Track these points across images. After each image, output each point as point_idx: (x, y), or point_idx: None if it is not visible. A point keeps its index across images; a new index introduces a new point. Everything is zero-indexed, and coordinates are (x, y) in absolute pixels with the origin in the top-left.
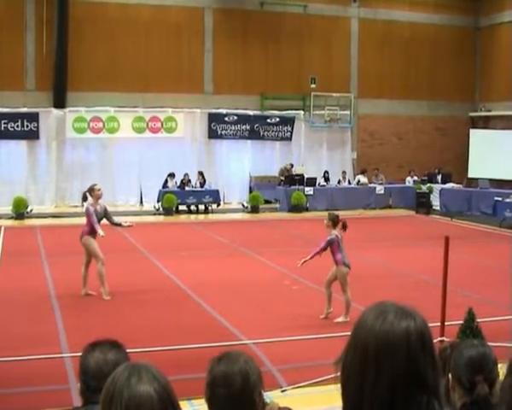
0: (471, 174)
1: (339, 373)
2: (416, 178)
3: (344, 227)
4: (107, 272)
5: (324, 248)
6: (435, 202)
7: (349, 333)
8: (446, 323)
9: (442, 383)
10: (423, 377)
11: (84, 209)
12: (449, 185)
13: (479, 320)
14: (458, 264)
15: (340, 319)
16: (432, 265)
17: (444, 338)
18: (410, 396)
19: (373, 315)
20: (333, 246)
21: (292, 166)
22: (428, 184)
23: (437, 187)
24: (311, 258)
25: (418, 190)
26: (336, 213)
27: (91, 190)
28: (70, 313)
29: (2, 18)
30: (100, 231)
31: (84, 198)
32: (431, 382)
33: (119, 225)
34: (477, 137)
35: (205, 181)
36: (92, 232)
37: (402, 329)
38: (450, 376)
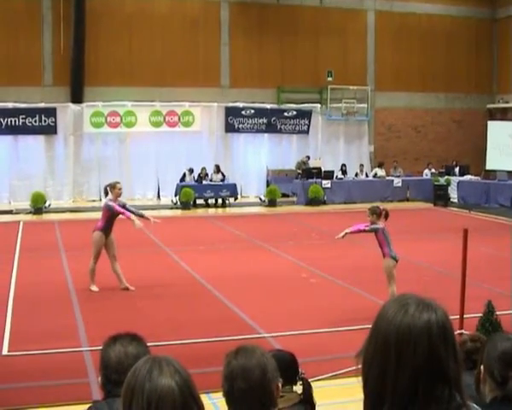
0: (489, 166)
1: (360, 366)
2: (433, 170)
3: (386, 216)
4: (124, 265)
5: (366, 231)
6: (453, 194)
7: (368, 326)
8: (465, 316)
9: (463, 376)
10: (445, 369)
11: (103, 204)
12: (467, 178)
13: (498, 313)
14: (477, 257)
15: None
16: (450, 258)
17: (463, 331)
18: (432, 389)
19: (394, 307)
20: (379, 238)
21: (309, 158)
22: (446, 177)
23: (455, 179)
24: (351, 233)
25: (436, 183)
26: (376, 204)
27: (113, 186)
28: (89, 307)
29: (20, 14)
30: (136, 221)
31: (106, 192)
32: (452, 374)
33: (142, 216)
34: (495, 128)
35: (224, 176)
36: (105, 229)
37: (423, 321)
38: (482, 368)
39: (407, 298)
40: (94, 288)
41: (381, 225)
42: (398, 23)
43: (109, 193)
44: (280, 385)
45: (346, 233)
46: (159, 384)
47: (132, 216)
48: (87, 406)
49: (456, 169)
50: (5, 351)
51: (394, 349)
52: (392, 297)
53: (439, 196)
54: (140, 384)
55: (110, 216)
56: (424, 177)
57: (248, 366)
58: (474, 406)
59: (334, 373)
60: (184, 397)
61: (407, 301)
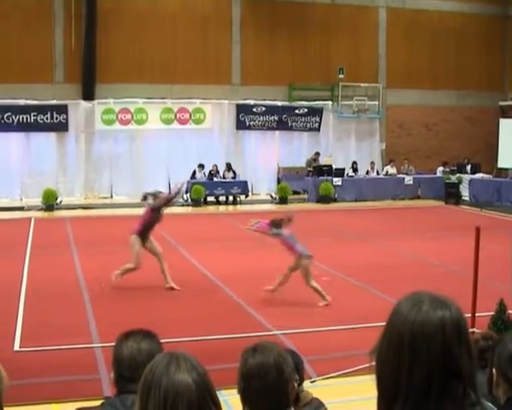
0: (501, 164)
1: (373, 363)
2: (446, 168)
3: (289, 221)
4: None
5: (269, 234)
6: (464, 192)
7: (381, 324)
8: (477, 314)
9: (477, 374)
10: (459, 366)
11: (145, 208)
12: (478, 176)
13: (510, 311)
14: (488, 255)
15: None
16: (462, 256)
17: (475, 329)
18: (445, 386)
19: (408, 305)
20: (285, 244)
21: (318, 154)
22: (458, 175)
23: (466, 177)
24: (256, 230)
25: (447, 181)
26: (279, 217)
27: (157, 197)
28: (100, 304)
29: (32, 11)
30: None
31: (145, 198)
32: (466, 372)
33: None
34: (506, 126)
35: (235, 174)
36: (142, 235)
37: (437, 318)
38: (494, 371)
39: (421, 295)
40: (115, 277)
41: (285, 232)
42: (409, 20)
43: (149, 199)
44: (296, 385)
45: (252, 229)
46: (176, 380)
47: (176, 188)
48: (98, 402)
49: (468, 167)
50: (17, 347)
51: (408, 346)
52: (315, 291)
53: (451, 194)
54: (157, 379)
55: (149, 222)
56: (437, 174)
57: (265, 366)
58: (489, 404)
59: (345, 371)
60: (201, 393)
61: (421, 299)
